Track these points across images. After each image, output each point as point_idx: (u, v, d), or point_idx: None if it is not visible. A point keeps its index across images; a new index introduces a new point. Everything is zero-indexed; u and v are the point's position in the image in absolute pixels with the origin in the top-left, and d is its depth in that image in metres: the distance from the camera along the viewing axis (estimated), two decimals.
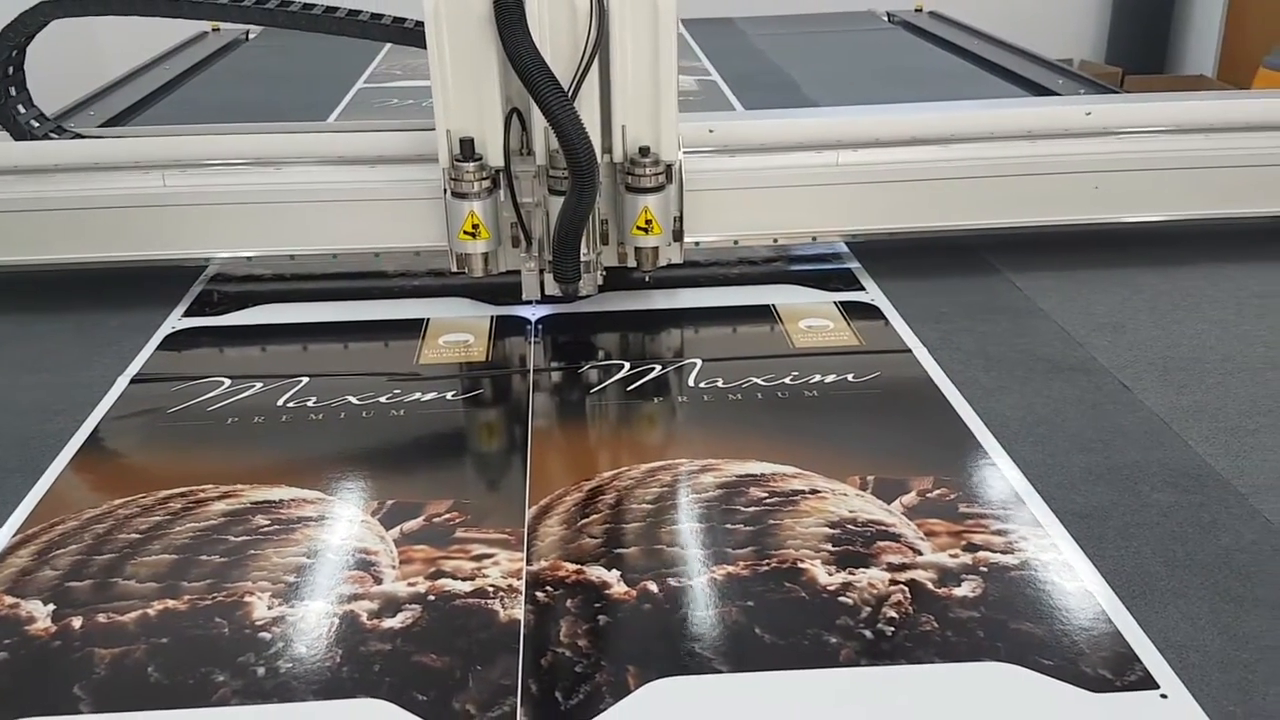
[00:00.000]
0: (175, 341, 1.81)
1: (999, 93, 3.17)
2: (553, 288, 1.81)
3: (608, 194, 1.80)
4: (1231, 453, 1.41)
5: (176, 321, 1.87)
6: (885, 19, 4.60)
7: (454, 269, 1.82)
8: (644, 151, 1.73)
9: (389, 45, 4.08)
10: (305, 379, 1.66)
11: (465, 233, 1.75)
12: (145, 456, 1.49)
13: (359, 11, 1.92)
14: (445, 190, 1.75)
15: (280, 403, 1.59)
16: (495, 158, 1.73)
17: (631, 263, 1.83)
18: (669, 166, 1.76)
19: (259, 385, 1.64)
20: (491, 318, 1.87)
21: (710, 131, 1.98)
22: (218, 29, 4.40)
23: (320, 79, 3.61)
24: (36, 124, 2.02)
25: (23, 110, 2.01)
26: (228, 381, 1.65)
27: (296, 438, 1.51)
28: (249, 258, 1.99)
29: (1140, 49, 6.27)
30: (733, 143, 1.98)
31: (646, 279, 1.91)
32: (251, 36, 4.46)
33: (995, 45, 3.84)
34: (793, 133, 1.99)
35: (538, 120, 1.70)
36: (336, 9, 1.92)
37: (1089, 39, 6.56)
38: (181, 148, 1.93)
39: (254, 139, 1.96)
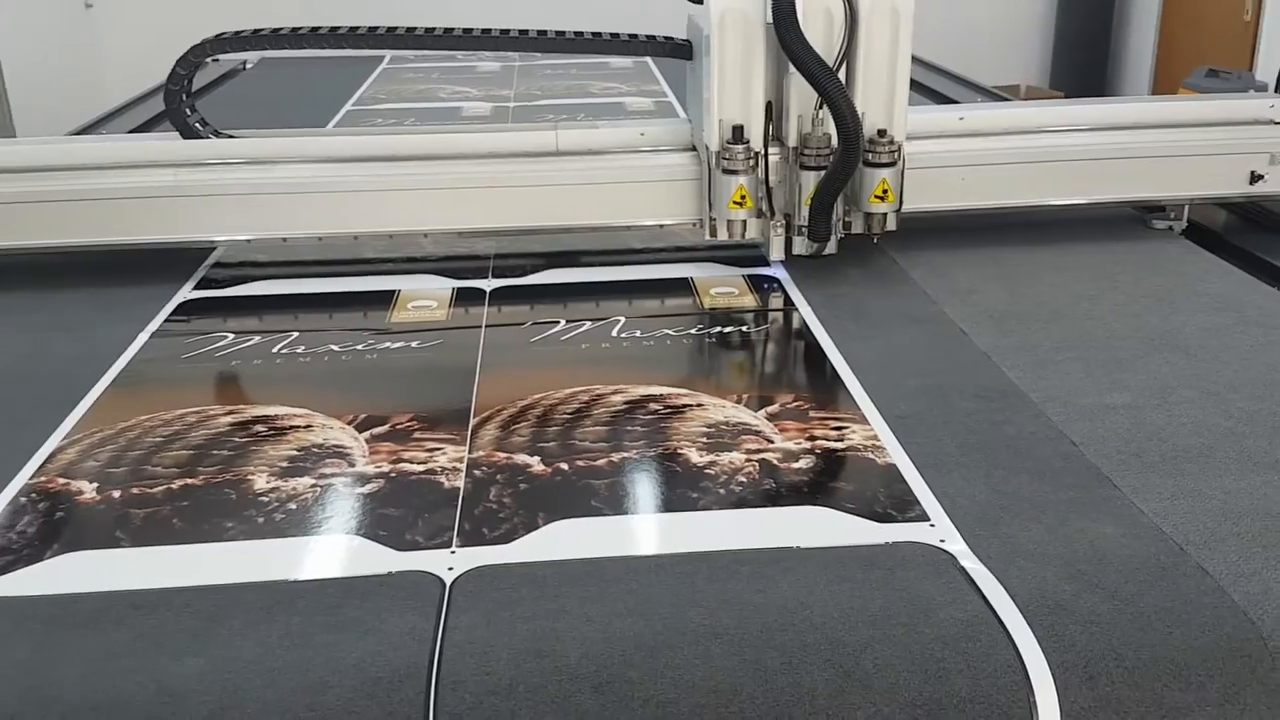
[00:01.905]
0: (186, 309, 2.16)
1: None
2: (800, 248, 2.23)
3: None
4: (1034, 376, 1.77)
5: (187, 294, 2.22)
6: None
7: (710, 236, 2.23)
8: (881, 133, 2.14)
9: (377, 73, 4.52)
10: (295, 333, 2.01)
11: (734, 202, 2.16)
12: (164, 387, 1.83)
13: (617, 33, 2.37)
14: (710, 169, 2.18)
15: (275, 350, 1.94)
16: (756, 142, 2.15)
17: (857, 229, 2.24)
18: (899, 146, 2.15)
19: (257, 339, 1.99)
20: (453, 289, 2.23)
21: (960, 119, 2.40)
22: (217, 60, 4.77)
23: (314, 102, 3.99)
24: (202, 127, 2.33)
25: (196, 120, 2.34)
26: (231, 336, 2.00)
27: (288, 373, 1.86)
28: (248, 240, 2.35)
29: (1081, 74, 6.70)
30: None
31: (875, 240, 2.26)
32: (248, 66, 4.85)
33: (935, 72, 4.20)
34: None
35: (793, 109, 2.16)
36: (593, 33, 2.35)
37: (1034, 66, 6.99)
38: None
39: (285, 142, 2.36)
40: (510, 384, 1.82)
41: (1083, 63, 6.67)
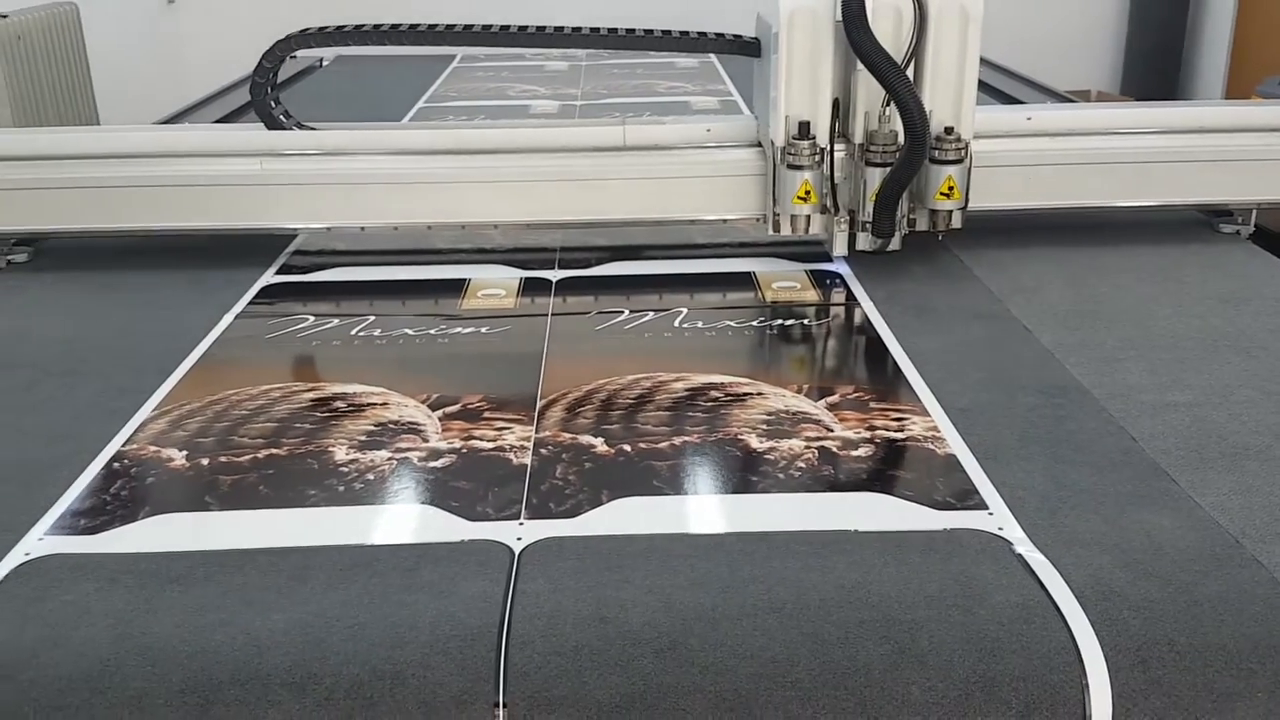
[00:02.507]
0: (268, 293, 2.25)
1: None
2: (864, 244, 2.25)
3: None
4: (1097, 373, 1.78)
5: (269, 278, 2.31)
6: None
7: (773, 231, 2.26)
8: (948, 130, 2.16)
9: (447, 72, 4.61)
10: (372, 317, 2.09)
11: (799, 197, 2.19)
12: (248, 365, 1.91)
13: (686, 31, 2.43)
14: (775, 165, 2.21)
15: (353, 333, 2.02)
16: (823, 138, 2.19)
17: (922, 226, 2.25)
18: (966, 144, 2.17)
19: (335, 321, 2.07)
20: (520, 279, 2.29)
21: (1028, 119, 2.42)
22: (294, 56, 4.91)
23: (387, 99, 4.09)
24: (286, 119, 2.42)
25: (280, 112, 2.42)
26: (311, 318, 2.09)
27: (365, 355, 1.93)
28: (327, 228, 2.43)
29: (1153, 80, 6.59)
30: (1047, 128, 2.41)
31: (940, 237, 2.27)
32: (324, 64, 4.98)
33: (1006, 75, 4.18)
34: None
35: (860, 106, 2.19)
36: (662, 30, 2.41)
37: (1106, 72, 6.90)
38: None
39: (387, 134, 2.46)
40: (575, 369, 1.87)
41: (1154, 70, 6.57)
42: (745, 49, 2.38)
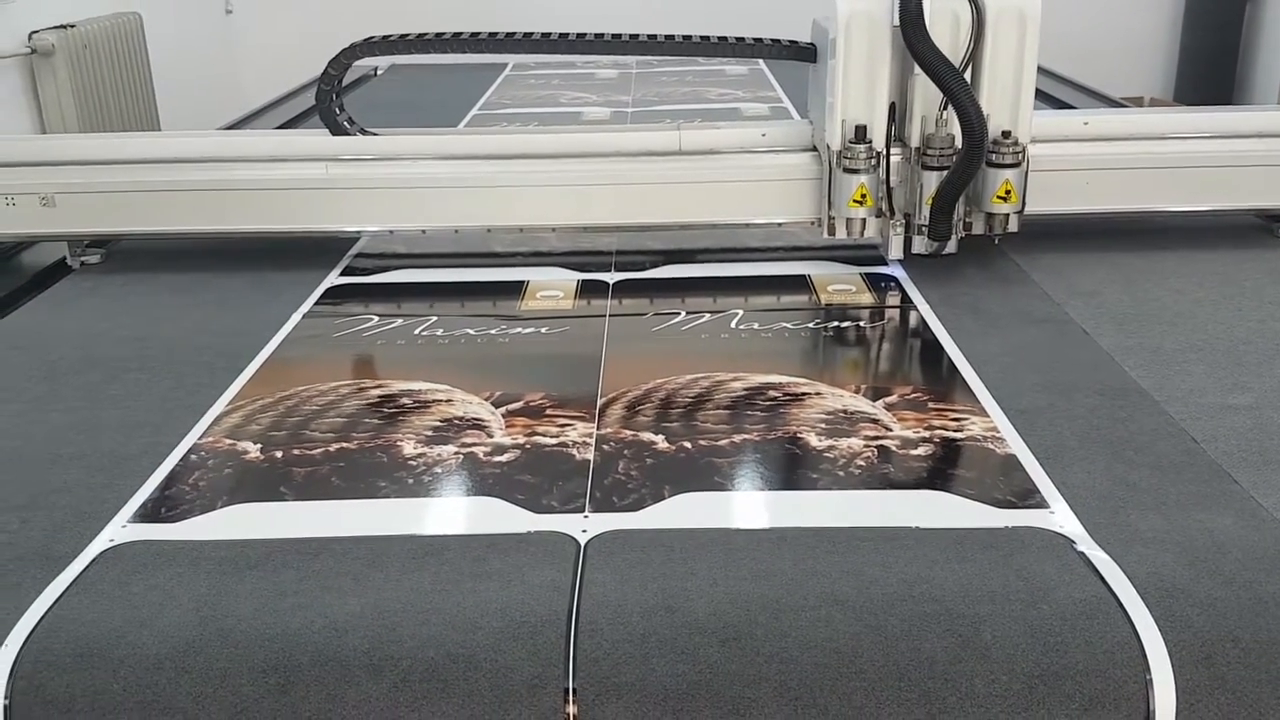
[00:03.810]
0: (333, 294, 2.31)
1: None
2: (920, 246, 2.26)
3: None
4: (1157, 375, 1.78)
5: (334, 279, 2.37)
6: None
7: (828, 234, 2.29)
8: (1006, 134, 2.17)
9: (500, 80, 4.67)
10: (434, 318, 2.13)
11: (855, 200, 2.22)
12: (316, 362, 1.96)
13: (742, 37, 2.45)
14: (831, 169, 2.24)
15: (416, 333, 2.07)
16: (879, 142, 2.20)
17: (978, 230, 2.26)
18: (1024, 148, 2.18)
19: (399, 321, 2.12)
20: (578, 281, 2.32)
21: (1085, 124, 2.44)
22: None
23: (442, 106, 4.16)
24: (350, 125, 2.47)
25: (344, 119, 2.47)
26: (375, 318, 2.14)
27: (429, 354, 1.98)
28: (390, 231, 2.48)
29: (1207, 86, 6.51)
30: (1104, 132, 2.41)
31: (996, 241, 2.29)
32: (379, 72, 5.07)
33: (1059, 81, 4.16)
34: None
35: (917, 109, 2.19)
36: (719, 37, 2.45)
37: (1159, 79, 6.82)
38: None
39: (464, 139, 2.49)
40: (634, 369, 1.90)
41: (1209, 77, 6.50)
42: (802, 54, 2.40)
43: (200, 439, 1.67)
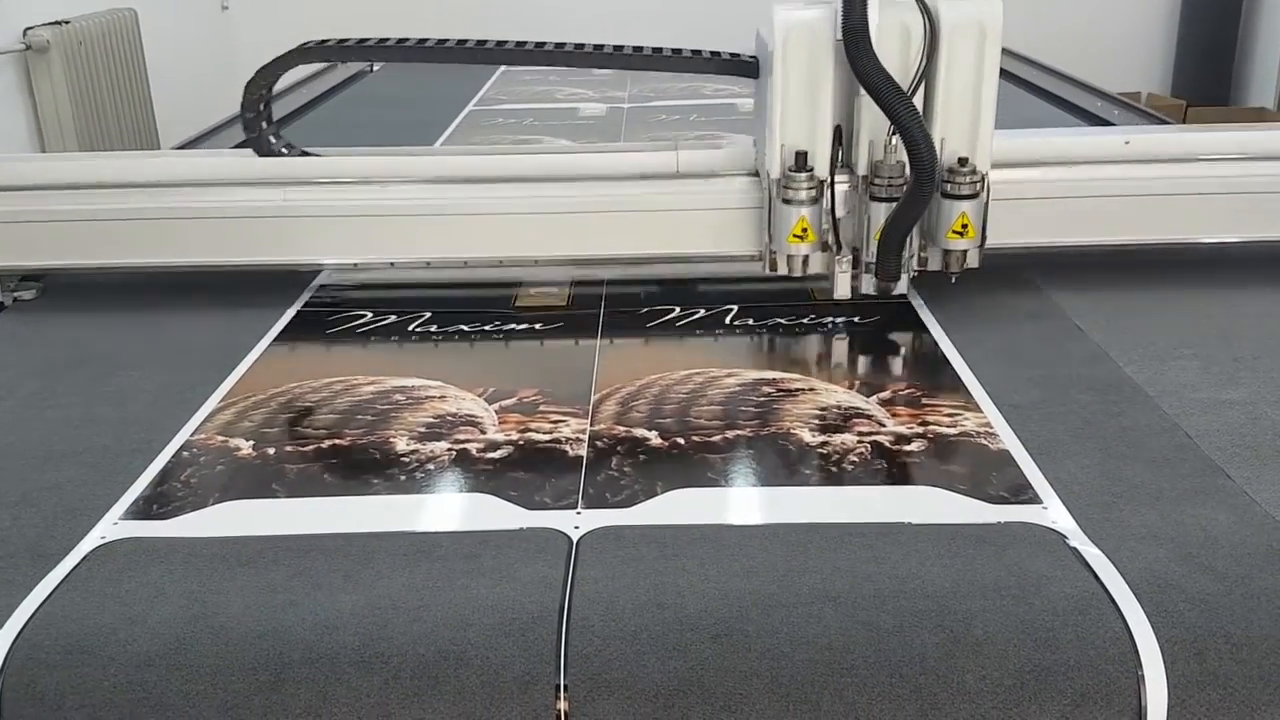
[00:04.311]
0: (329, 289, 2.29)
1: (1053, 121, 3.46)
2: (868, 286, 2.05)
3: None
4: (1151, 371, 1.77)
5: (325, 279, 2.35)
6: None
7: (768, 270, 2.05)
8: (962, 162, 1.94)
9: (497, 74, 4.66)
10: (428, 314, 2.13)
11: (795, 235, 1.98)
12: (310, 358, 1.96)
13: (680, 49, 2.19)
14: (770, 199, 2.01)
15: (410, 329, 2.06)
16: (822, 169, 1.98)
17: (933, 266, 2.03)
18: (983, 176, 1.96)
19: (394, 317, 2.12)
20: (571, 280, 2.32)
21: (1126, 143, 2.17)
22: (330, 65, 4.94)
23: (436, 102, 4.15)
24: (283, 149, 2.25)
25: (273, 140, 2.26)
26: (370, 314, 2.13)
27: (423, 349, 1.97)
28: (354, 264, 2.23)
29: (1205, 82, 6.51)
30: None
31: (954, 280, 2.04)
32: (375, 68, 5.05)
33: (1058, 78, 4.14)
34: None
35: (864, 134, 1.96)
36: (653, 48, 2.18)
37: (1155, 72, 6.83)
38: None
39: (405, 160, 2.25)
40: (628, 365, 1.90)
41: (1207, 72, 6.50)
42: (742, 69, 2.15)
43: (193, 435, 1.67)
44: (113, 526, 1.43)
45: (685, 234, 2.16)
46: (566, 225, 2.17)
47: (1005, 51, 5.02)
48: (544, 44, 2.21)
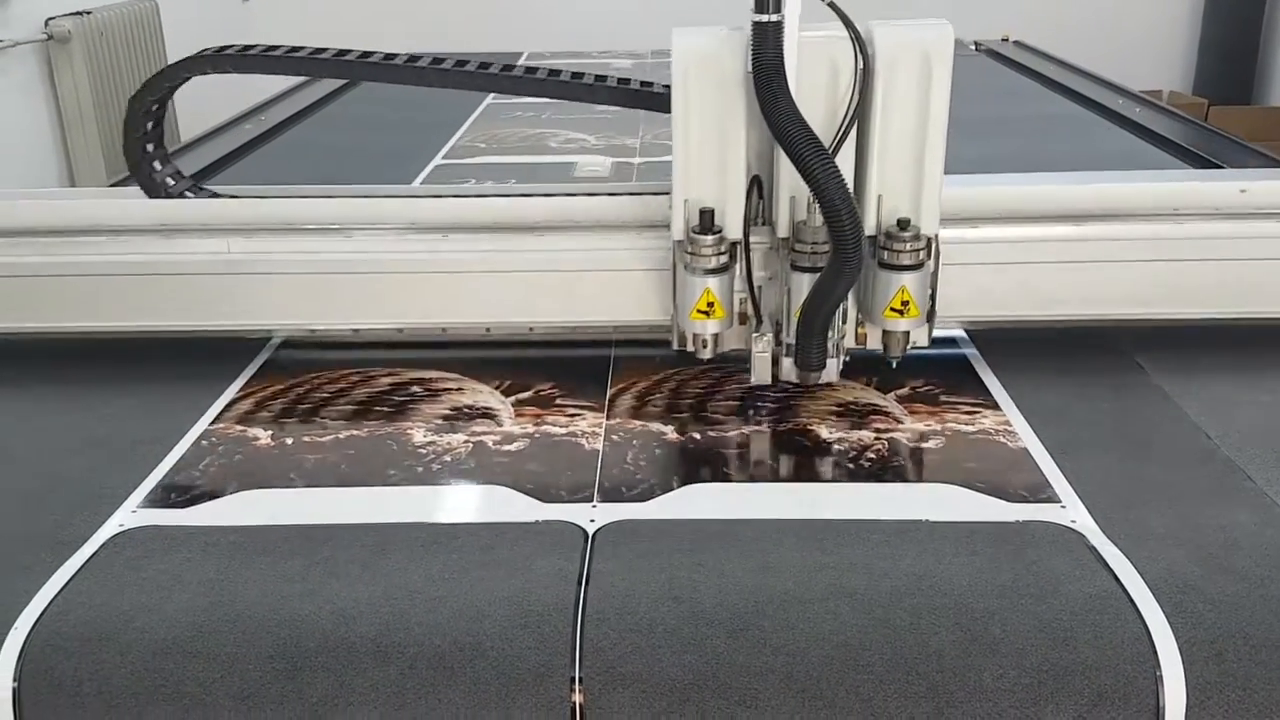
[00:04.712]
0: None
1: (1073, 118, 3.42)
2: (789, 373, 1.67)
3: None
4: (1172, 371, 1.76)
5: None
6: (972, 48, 4.84)
7: (677, 346, 1.69)
8: (903, 224, 1.57)
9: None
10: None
11: (699, 311, 1.62)
12: (328, 349, 1.96)
13: (604, 77, 1.86)
14: (675, 264, 1.64)
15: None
16: (734, 230, 1.61)
17: (873, 345, 1.68)
18: (929, 241, 1.61)
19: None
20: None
21: (1242, 191, 1.77)
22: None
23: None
24: (173, 181, 1.90)
25: (159, 167, 1.89)
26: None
27: (440, 343, 1.96)
28: (312, 330, 1.91)
29: (1227, 80, 6.46)
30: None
31: (894, 365, 1.68)
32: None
33: (1079, 75, 4.09)
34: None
35: (783, 189, 1.58)
36: (572, 74, 1.86)
37: (1176, 70, 6.77)
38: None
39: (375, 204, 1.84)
40: (643, 361, 1.89)
41: (1229, 70, 6.44)
42: (652, 102, 1.79)
43: (212, 425, 1.67)
44: (131, 514, 1.43)
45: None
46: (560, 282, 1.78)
47: (1024, 46, 4.96)
48: (464, 62, 1.87)
